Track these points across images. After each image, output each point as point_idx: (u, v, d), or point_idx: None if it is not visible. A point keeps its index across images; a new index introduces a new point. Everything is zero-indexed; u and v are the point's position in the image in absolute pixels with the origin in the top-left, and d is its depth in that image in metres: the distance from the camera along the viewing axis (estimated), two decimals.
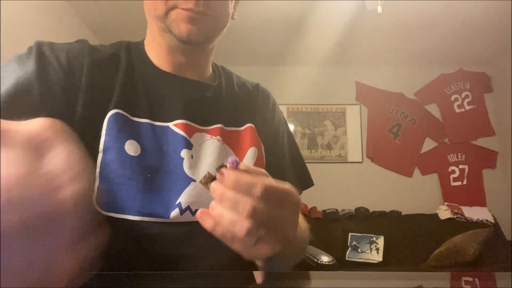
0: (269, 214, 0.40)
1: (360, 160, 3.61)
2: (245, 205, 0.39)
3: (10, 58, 0.61)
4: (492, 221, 3.11)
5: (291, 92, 3.64)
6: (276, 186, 0.41)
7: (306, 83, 3.71)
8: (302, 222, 0.72)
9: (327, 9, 2.81)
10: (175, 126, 0.66)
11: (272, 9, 2.84)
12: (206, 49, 0.71)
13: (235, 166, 0.42)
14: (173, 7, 0.62)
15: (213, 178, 0.42)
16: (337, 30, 3.09)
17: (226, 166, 0.42)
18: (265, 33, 3.18)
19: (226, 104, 0.74)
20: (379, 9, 2.36)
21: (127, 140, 0.61)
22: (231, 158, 0.42)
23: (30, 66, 0.58)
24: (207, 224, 0.42)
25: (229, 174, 0.40)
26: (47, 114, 0.52)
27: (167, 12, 0.63)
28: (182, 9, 0.61)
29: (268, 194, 0.40)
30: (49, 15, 2.51)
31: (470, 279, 0.55)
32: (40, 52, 0.61)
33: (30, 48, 0.62)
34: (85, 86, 0.61)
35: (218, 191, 0.41)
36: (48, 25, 2.48)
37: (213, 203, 0.41)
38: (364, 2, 2.54)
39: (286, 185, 0.43)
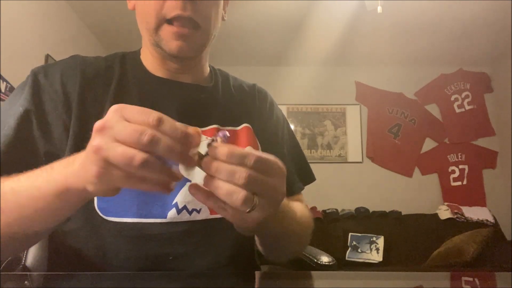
0: (262, 182, 0.42)
1: (360, 160, 3.61)
2: (240, 175, 0.40)
3: (11, 95, 0.68)
4: (492, 221, 3.11)
5: (291, 92, 3.64)
6: (265, 157, 0.43)
7: (306, 83, 3.71)
8: (302, 210, 0.73)
9: (327, 9, 2.81)
10: None
11: (272, 9, 2.83)
12: (200, 56, 0.73)
13: (226, 140, 0.43)
14: (163, 19, 0.64)
15: (202, 156, 0.43)
16: (337, 30, 3.09)
17: (216, 140, 0.43)
18: (266, 33, 3.18)
19: (222, 105, 0.75)
20: (379, 9, 2.36)
21: None
22: (222, 132, 0.44)
23: (27, 100, 0.63)
24: (199, 196, 0.44)
25: (222, 147, 0.41)
26: (48, 142, 0.61)
27: (157, 27, 0.65)
28: (171, 22, 0.63)
29: (259, 164, 0.42)
30: (49, 15, 2.51)
31: (470, 279, 0.55)
32: (36, 81, 0.65)
33: (27, 78, 0.66)
34: (78, 104, 0.64)
35: (213, 164, 0.41)
36: (48, 25, 2.48)
37: (207, 177, 0.42)
38: (364, 2, 2.54)
39: (272, 157, 0.44)
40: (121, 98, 0.67)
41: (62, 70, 0.67)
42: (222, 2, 0.72)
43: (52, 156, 0.60)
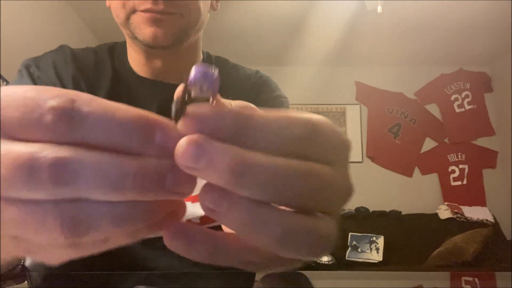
0: (331, 176, 0.19)
1: (360, 160, 3.61)
2: (305, 177, 0.18)
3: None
4: (492, 221, 3.11)
5: (291, 92, 3.60)
6: (315, 118, 0.20)
7: (306, 83, 3.70)
8: None
9: (327, 9, 2.81)
10: None
11: (272, 9, 2.83)
12: (183, 49, 0.66)
13: (211, 86, 0.18)
14: (133, 11, 0.59)
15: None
16: (337, 30, 3.09)
17: (185, 101, 0.18)
18: (265, 33, 3.18)
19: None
20: (379, 9, 2.36)
21: None
22: (198, 69, 0.18)
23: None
24: (196, 255, 0.20)
25: (226, 113, 0.18)
26: None
27: (127, 17, 0.60)
28: (141, 11, 0.58)
29: (316, 134, 0.19)
30: (49, 15, 2.51)
31: (470, 279, 0.55)
32: (30, 73, 0.63)
33: (20, 72, 0.64)
34: None
35: (224, 161, 0.16)
36: (48, 25, 2.48)
37: (209, 192, 0.17)
38: (364, 2, 2.54)
39: (317, 116, 0.20)
40: (111, 97, 0.66)
41: (54, 62, 0.65)
42: None
43: None
